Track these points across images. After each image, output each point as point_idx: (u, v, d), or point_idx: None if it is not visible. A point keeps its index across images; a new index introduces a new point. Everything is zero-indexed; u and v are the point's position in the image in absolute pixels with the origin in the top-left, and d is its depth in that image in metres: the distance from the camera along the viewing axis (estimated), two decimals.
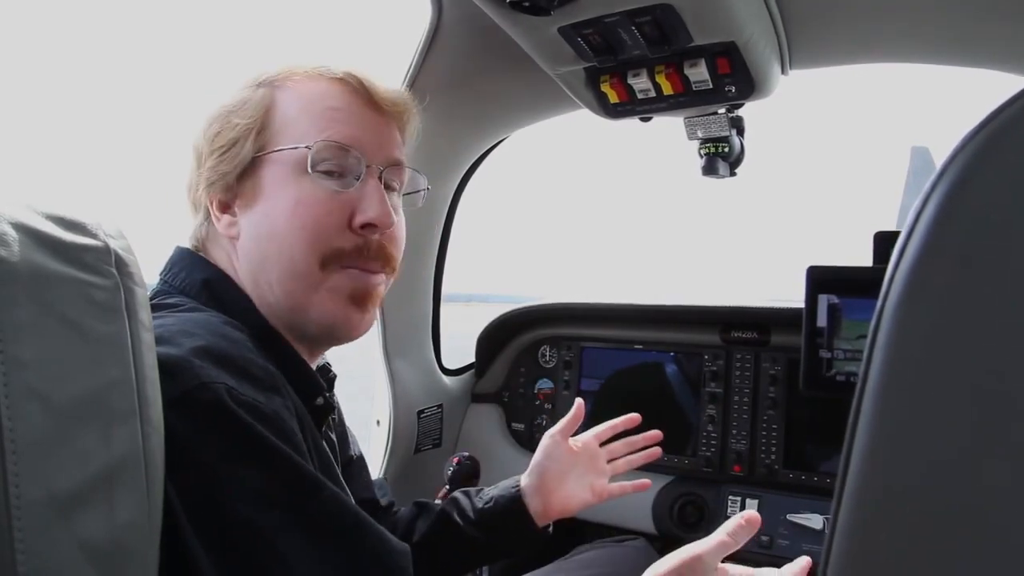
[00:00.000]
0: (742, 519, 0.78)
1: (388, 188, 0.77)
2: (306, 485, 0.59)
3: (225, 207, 0.74)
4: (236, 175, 0.72)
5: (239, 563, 0.54)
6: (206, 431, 0.55)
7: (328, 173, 0.71)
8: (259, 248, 0.72)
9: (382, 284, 0.78)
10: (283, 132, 0.72)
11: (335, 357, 0.98)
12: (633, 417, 1.05)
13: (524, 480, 0.98)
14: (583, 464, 1.00)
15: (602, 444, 1.04)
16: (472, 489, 1.01)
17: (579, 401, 1.03)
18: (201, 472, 0.54)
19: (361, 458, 1.01)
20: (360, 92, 0.74)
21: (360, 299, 0.74)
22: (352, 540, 0.61)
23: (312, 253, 0.70)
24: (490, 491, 0.99)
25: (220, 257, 0.76)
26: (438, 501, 1.08)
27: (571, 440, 1.01)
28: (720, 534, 0.77)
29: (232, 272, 0.74)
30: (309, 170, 0.70)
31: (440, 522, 0.97)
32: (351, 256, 0.73)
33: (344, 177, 0.72)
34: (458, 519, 0.95)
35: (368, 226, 0.72)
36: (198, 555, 0.53)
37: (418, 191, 0.86)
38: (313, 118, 0.72)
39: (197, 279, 0.73)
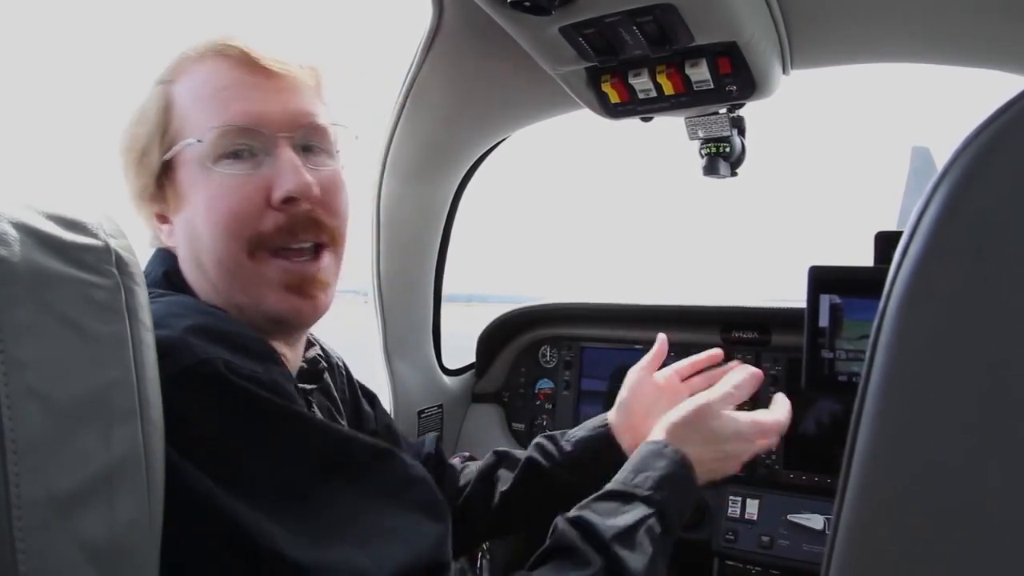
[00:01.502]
0: (747, 373, 0.88)
1: (311, 152, 0.71)
2: (317, 431, 0.60)
3: (162, 218, 0.73)
4: (155, 185, 0.70)
5: (284, 515, 0.54)
6: (209, 405, 0.55)
7: (236, 157, 0.67)
8: (192, 252, 0.70)
9: (324, 268, 0.72)
10: (183, 128, 0.68)
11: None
12: (715, 354, 1.02)
13: (611, 418, 0.97)
14: (666, 400, 0.96)
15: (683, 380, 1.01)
16: (555, 433, 1.00)
17: (662, 336, 1.00)
18: (212, 444, 0.55)
19: (386, 430, 1.00)
20: (245, 62, 0.68)
21: (299, 287, 0.70)
22: (379, 470, 0.62)
23: (236, 244, 0.67)
24: (576, 433, 0.98)
25: (179, 256, 0.74)
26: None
27: (655, 375, 0.99)
28: (726, 386, 0.85)
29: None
30: (208, 163, 0.66)
31: (528, 470, 0.96)
32: (277, 236, 0.68)
33: (255, 156, 0.68)
34: (546, 464, 0.95)
35: (289, 200, 0.67)
36: (242, 520, 0.52)
37: (351, 144, 0.79)
38: (205, 105, 0.67)
39: (159, 272, 0.72)
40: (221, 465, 0.54)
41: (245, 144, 0.67)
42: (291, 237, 0.69)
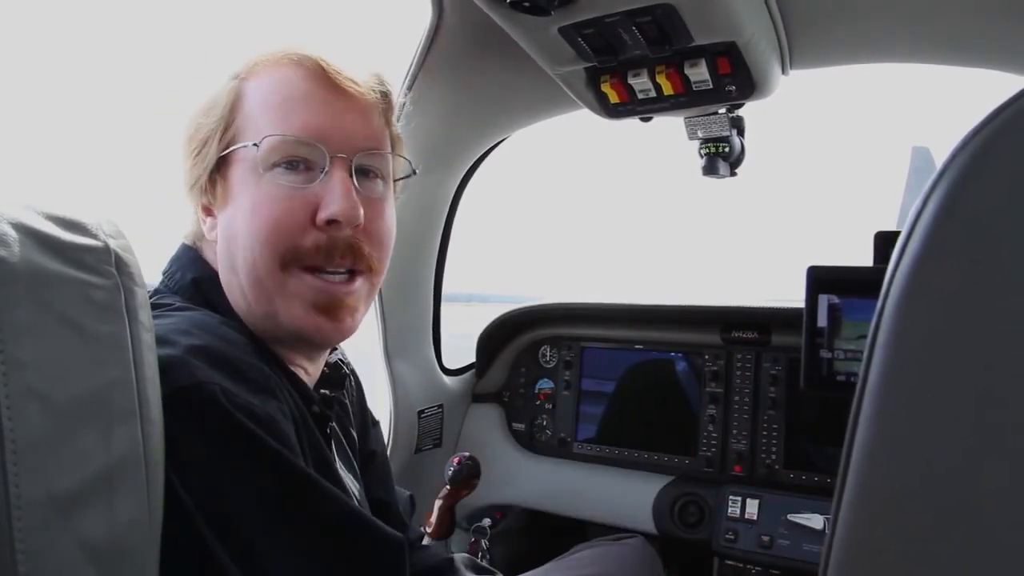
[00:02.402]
0: None
1: (366, 176, 0.70)
2: (299, 483, 0.59)
3: (207, 210, 0.72)
4: (207, 177, 0.70)
5: (239, 558, 0.54)
6: (199, 430, 0.55)
7: (291, 167, 0.66)
8: (228, 252, 0.69)
9: (355, 292, 0.71)
10: (245, 128, 0.68)
11: None
12: None
13: None
14: None
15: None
16: None
17: None
18: (197, 469, 0.55)
19: (384, 455, 0.98)
20: (319, 75, 0.67)
21: (326, 309, 0.68)
22: (344, 538, 0.61)
23: (271, 255, 0.66)
24: None
25: (211, 258, 0.74)
26: (439, 501, 1.06)
27: None
28: None
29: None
30: (261, 168, 0.66)
31: None
32: (313, 255, 0.67)
33: (310, 171, 0.67)
34: None
35: (332, 222, 0.66)
36: (214, 547, 0.53)
37: (407, 176, 0.79)
38: (270, 110, 0.67)
39: (188, 278, 0.72)
40: (202, 492, 0.54)
41: (301, 156, 0.66)
42: (328, 260, 0.68)
